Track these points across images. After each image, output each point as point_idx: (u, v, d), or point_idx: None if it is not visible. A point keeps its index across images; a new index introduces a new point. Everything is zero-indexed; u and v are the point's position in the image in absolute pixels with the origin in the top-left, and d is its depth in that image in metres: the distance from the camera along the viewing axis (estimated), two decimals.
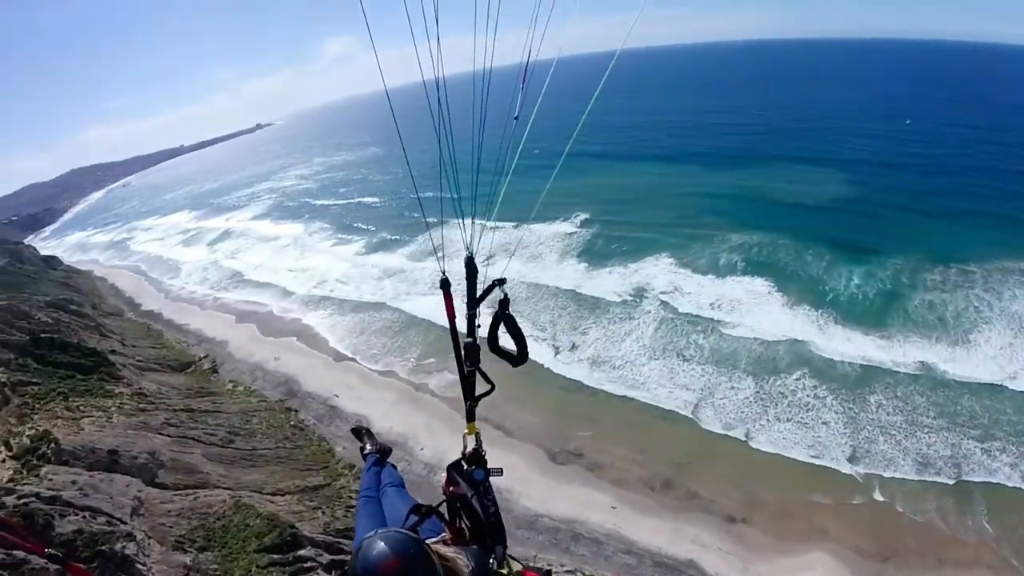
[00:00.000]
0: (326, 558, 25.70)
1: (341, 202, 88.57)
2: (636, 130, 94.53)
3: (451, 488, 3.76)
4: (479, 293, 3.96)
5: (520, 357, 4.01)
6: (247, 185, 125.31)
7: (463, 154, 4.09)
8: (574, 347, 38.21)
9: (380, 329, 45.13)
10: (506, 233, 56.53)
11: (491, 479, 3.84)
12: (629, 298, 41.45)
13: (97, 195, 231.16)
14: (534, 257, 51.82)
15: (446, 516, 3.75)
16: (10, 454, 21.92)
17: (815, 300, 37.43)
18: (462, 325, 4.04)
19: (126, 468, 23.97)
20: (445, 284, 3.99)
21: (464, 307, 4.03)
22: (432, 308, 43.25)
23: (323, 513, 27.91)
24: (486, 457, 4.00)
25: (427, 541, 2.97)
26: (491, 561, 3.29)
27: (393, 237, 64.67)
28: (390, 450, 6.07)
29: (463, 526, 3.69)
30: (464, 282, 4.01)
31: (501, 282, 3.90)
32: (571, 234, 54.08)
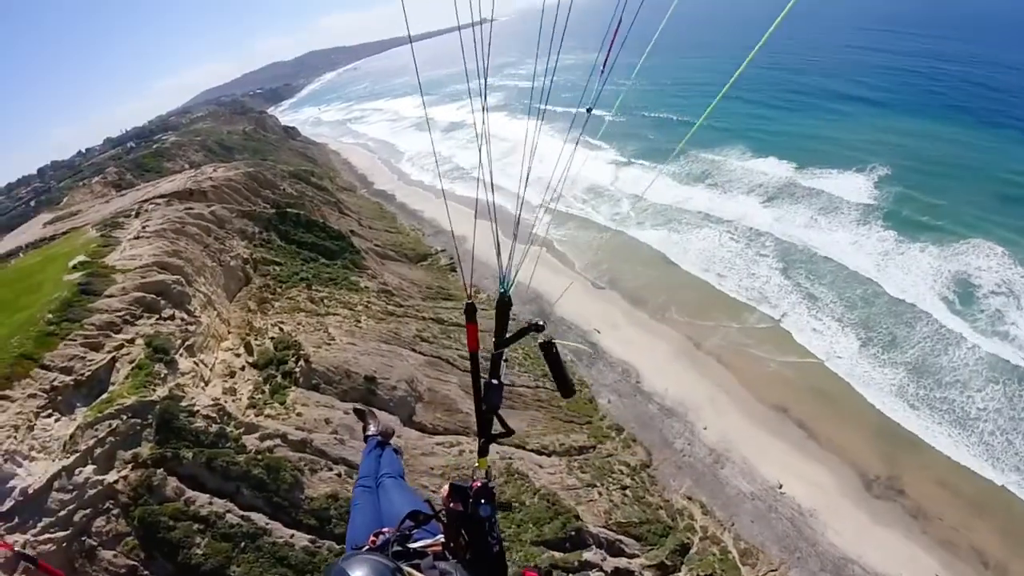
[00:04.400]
0: (609, 564, 19.53)
1: (568, 109, 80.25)
2: (935, 81, 69.87)
3: (451, 503, 3.34)
4: (509, 335, 3.43)
5: (566, 393, 3.54)
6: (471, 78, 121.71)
7: None
8: (894, 342, 29.47)
9: (642, 264, 37.56)
10: (788, 174, 46.48)
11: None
12: (950, 291, 32.27)
13: (330, 75, 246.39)
14: (827, 210, 41.97)
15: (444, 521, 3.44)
16: (251, 360, 16.77)
17: None
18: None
19: (383, 401, 18.20)
20: (470, 311, 3.42)
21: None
22: (705, 260, 36.85)
23: (600, 494, 21.90)
24: (496, 491, 3.38)
25: (421, 543, 3.18)
26: None
27: (636, 161, 55.70)
28: (392, 432, 5.73)
29: (462, 538, 3.28)
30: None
31: (538, 328, 3.31)
32: (868, 193, 43.16)
